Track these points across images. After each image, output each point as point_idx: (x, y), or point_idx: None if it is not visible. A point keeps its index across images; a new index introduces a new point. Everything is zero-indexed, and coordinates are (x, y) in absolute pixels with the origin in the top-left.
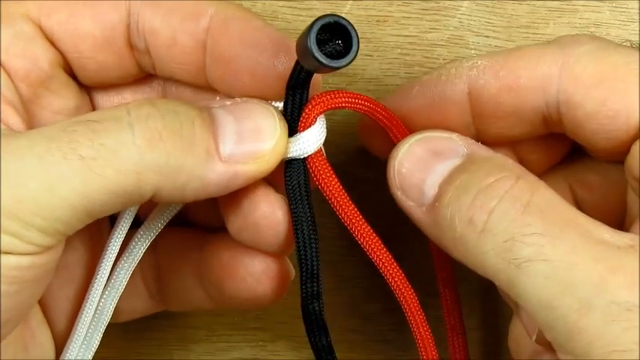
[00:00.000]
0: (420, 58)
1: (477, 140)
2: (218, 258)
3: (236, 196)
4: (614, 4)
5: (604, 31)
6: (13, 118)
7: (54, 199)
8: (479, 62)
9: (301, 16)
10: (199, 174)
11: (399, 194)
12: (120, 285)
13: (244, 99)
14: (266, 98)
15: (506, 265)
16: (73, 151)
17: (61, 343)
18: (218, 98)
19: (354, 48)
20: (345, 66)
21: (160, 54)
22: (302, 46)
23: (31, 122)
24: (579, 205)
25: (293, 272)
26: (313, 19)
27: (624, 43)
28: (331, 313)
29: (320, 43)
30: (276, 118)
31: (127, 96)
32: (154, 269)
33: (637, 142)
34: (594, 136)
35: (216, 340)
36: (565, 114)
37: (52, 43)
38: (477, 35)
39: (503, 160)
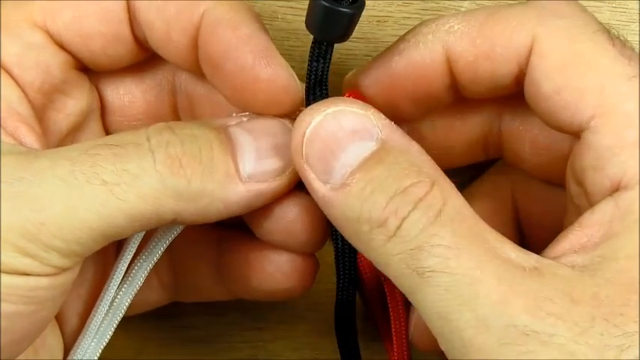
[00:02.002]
0: None
1: (456, 96)
2: (242, 255)
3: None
4: (614, 4)
5: None
6: (28, 137)
7: (75, 222)
8: (455, 27)
9: (301, 16)
10: (220, 197)
11: (302, 163)
12: (137, 283)
13: (261, 115)
14: (252, 103)
15: (410, 272)
16: (96, 175)
17: (70, 341)
18: (235, 114)
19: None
20: (350, 12)
21: (158, 48)
22: (315, 10)
23: (44, 127)
24: (517, 211)
25: (319, 264)
26: None
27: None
28: (331, 314)
29: None
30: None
31: (137, 94)
32: (168, 264)
33: (578, 146)
34: (548, 118)
35: (217, 340)
36: (527, 86)
37: (61, 46)
38: None
39: (419, 156)
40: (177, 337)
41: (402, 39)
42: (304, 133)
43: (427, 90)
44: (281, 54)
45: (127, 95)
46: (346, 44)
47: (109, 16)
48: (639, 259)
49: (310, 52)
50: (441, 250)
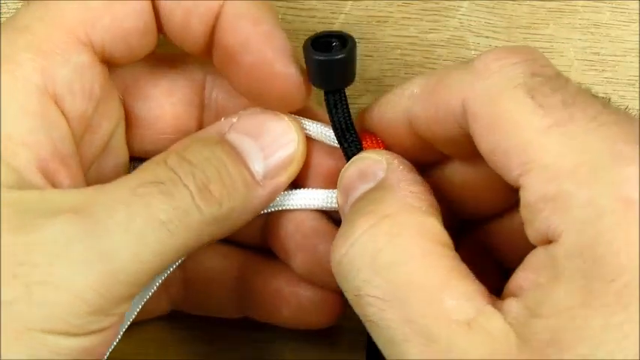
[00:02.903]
0: (420, 59)
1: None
2: (269, 283)
3: (307, 238)
4: (614, 4)
5: (604, 31)
6: (67, 179)
7: (141, 267)
8: (415, 90)
9: (301, 16)
10: (247, 208)
11: (341, 213)
12: (148, 293)
13: (248, 110)
14: (263, 96)
15: (360, 313)
16: (152, 216)
17: None
18: (223, 119)
19: (349, 41)
20: (343, 57)
21: (175, 36)
22: (308, 65)
23: (80, 153)
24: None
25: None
26: (313, 19)
27: (540, 70)
28: None
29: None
30: (286, 119)
31: (167, 108)
32: (180, 276)
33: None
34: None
35: (217, 341)
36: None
37: (102, 54)
38: (477, 36)
39: (403, 185)
40: (177, 337)
41: (375, 102)
42: (339, 185)
43: (401, 147)
44: None
45: (156, 109)
46: None
47: (142, 9)
48: (560, 316)
49: (325, 104)
50: (376, 302)
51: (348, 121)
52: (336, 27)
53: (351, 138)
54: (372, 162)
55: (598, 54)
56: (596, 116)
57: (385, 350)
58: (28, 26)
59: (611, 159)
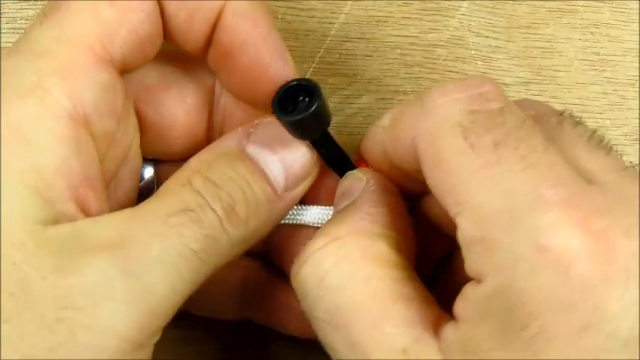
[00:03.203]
0: (420, 59)
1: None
2: (281, 296)
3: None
4: (614, 4)
5: (604, 31)
6: (94, 201)
7: (176, 298)
8: (385, 123)
9: (301, 16)
10: (269, 222)
11: None
12: None
13: (265, 120)
14: (258, 99)
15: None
16: (186, 247)
17: None
18: (240, 129)
19: (315, 91)
20: (313, 111)
21: (178, 37)
22: (285, 126)
23: (103, 171)
24: None
25: None
26: (313, 19)
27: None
28: None
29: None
30: None
31: (179, 116)
32: None
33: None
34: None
35: (217, 341)
36: None
37: (121, 67)
38: (477, 35)
39: (370, 205)
40: (177, 338)
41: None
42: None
43: (391, 174)
44: None
45: (168, 116)
46: (346, 44)
47: (153, 13)
48: (480, 356)
49: (315, 148)
50: (322, 324)
51: (341, 156)
52: (335, 27)
53: (349, 168)
54: (355, 180)
55: (598, 54)
56: (525, 156)
57: None
58: (49, 50)
59: (532, 204)
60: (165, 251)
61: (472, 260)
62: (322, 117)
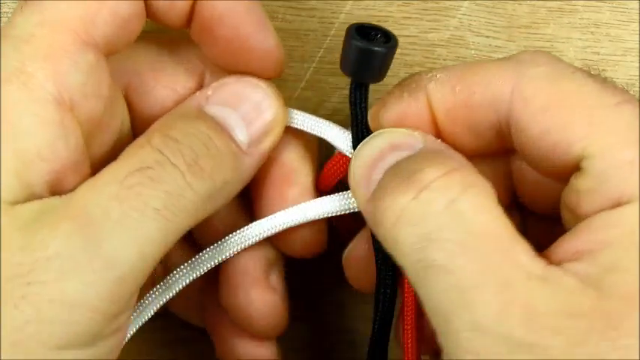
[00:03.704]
0: (420, 59)
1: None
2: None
3: (232, 285)
4: (614, 4)
5: (604, 31)
6: (76, 180)
7: (146, 261)
8: (437, 75)
9: (301, 16)
10: (237, 178)
11: (352, 185)
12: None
13: (222, 81)
14: (242, 68)
15: (415, 262)
16: (147, 206)
17: None
18: (198, 92)
19: (392, 38)
20: (384, 50)
21: (161, 15)
22: (345, 50)
23: (91, 155)
24: (515, 197)
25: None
26: (313, 19)
27: (583, 67)
28: (331, 314)
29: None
30: (262, 85)
31: (168, 104)
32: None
33: (575, 175)
34: (538, 162)
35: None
36: (513, 134)
37: (106, 50)
38: (477, 35)
39: (451, 153)
40: (177, 338)
41: (389, 92)
42: (354, 156)
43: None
44: None
45: (157, 104)
46: None
47: None
48: (638, 271)
49: (350, 96)
50: (449, 245)
51: (365, 119)
52: (336, 27)
53: (368, 134)
54: (405, 135)
55: (598, 54)
56: None
57: (444, 297)
58: (32, 34)
59: None
60: (125, 213)
61: (614, 184)
62: (385, 63)
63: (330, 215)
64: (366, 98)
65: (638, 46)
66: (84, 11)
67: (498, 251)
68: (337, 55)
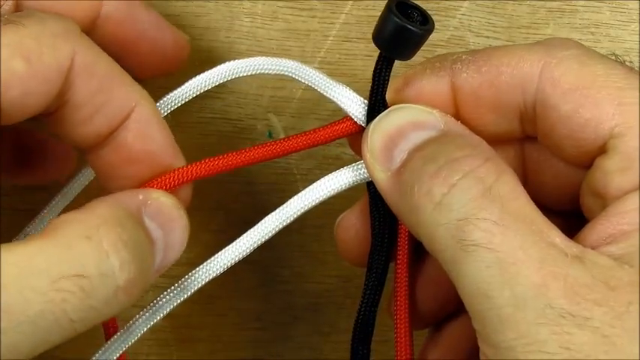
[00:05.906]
0: (420, 59)
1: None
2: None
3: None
4: (614, 4)
5: (604, 31)
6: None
7: (32, 355)
8: (463, 57)
9: (301, 16)
10: (116, 310)
11: (368, 156)
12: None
13: (158, 193)
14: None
15: (454, 244)
16: (65, 315)
17: None
18: (141, 195)
19: (430, 22)
20: (420, 32)
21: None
22: (385, 25)
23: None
24: (525, 180)
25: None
26: (313, 19)
27: (610, 56)
28: (330, 314)
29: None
30: (185, 220)
31: None
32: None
33: (601, 157)
34: (563, 142)
35: (217, 341)
36: (540, 115)
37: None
38: (478, 36)
39: (477, 140)
40: (177, 338)
41: (412, 69)
42: (370, 127)
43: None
44: (281, 54)
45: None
46: (346, 44)
47: None
48: None
49: (375, 66)
50: (487, 225)
51: (384, 92)
52: (336, 27)
53: (384, 108)
54: (425, 113)
55: None
56: None
57: (485, 274)
58: None
59: None
60: (41, 315)
61: None
62: (416, 44)
63: (339, 190)
64: (389, 72)
65: (638, 46)
66: None
67: (535, 233)
68: (337, 56)
